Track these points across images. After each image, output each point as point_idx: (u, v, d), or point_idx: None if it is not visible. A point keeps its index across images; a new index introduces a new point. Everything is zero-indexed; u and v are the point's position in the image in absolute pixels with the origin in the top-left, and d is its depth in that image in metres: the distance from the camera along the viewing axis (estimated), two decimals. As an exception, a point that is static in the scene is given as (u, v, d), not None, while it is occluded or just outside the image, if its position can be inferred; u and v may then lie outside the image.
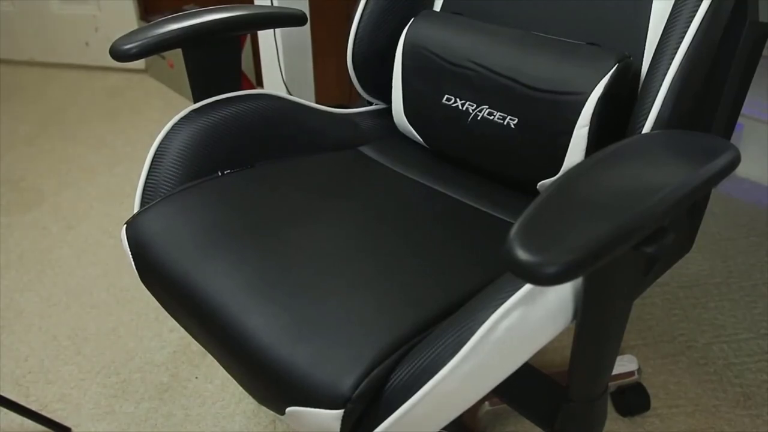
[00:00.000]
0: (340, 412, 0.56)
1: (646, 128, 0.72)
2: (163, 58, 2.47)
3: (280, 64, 1.87)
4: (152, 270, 0.76)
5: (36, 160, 2.03)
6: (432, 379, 0.56)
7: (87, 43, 2.70)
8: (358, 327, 0.62)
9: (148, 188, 0.85)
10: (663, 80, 0.71)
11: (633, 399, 1.11)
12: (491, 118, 0.88)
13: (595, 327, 0.61)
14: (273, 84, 1.94)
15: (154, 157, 0.86)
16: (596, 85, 0.77)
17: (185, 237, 0.76)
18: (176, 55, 2.39)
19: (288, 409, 0.60)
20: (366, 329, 0.61)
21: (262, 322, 0.63)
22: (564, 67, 0.80)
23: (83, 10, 2.64)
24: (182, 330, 1.34)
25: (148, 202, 0.84)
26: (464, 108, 0.91)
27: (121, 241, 1.63)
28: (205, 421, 1.13)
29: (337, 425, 0.57)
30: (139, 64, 2.71)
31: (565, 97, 0.80)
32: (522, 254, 0.43)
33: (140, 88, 2.55)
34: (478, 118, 0.89)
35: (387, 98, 1.11)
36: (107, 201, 1.80)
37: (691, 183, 0.53)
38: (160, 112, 2.35)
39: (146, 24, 0.94)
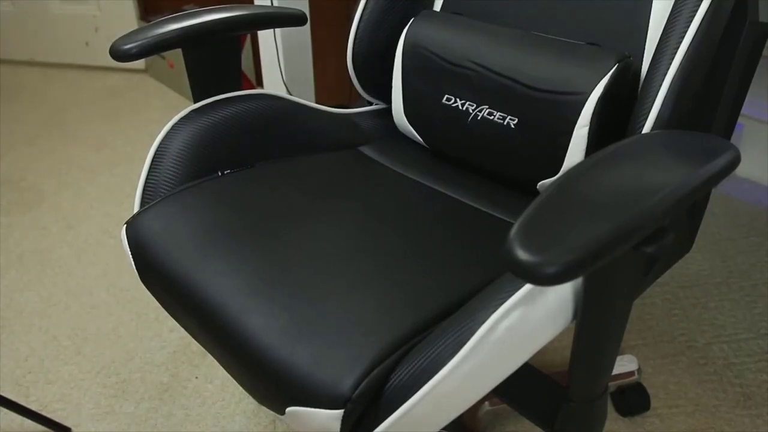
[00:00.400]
0: (340, 412, 0.56)
1: (646, 128, 0.72)
2: (163, 58, 2.47)
3: (280, 64, 1.87)
4: (152, 270, 0.76)
5: (36, 160, 2.03)
6: (432, 379, 0.56)
7: (87, 43, 2.70)
8: (358, 327, 0.62)
9: (148, 188, 0.85)
10: (663, 80, 0.71)
11: (633, 399, 1.11)
12: (491, 118, 0.88)
13: (595, 327, 0.61)
14: (273, 84, 1.94)
15: (154, 157, 0.86)
16: (596, 85, 0.77)
17: (185, 237, 0.76)
18: (176, 55, 2.39)
19: (288, 409, 0.60)
20: (366, 329, 0.61)
21: (262, 322, 0.63)
22: (564, 67, 0.80)
23: (83, 10, 2.64)
24: (182, 330, 1.34)
25: (148, 202, 0.84)
26: (464, 108, 0.91)
27: (121, 241, 1.63)
28: (205, 421, 1.13)
29: (337, 425, 0.57)
30: (139, 64, 2.71)
31: (565, 97, 0.80)
32: (522, 254, 0.43)
33: (140, 88, 2.55)
34: (478, 118, 0.89)
35: (387, 98, 1.11)
36: (107, 201, 1.80)
37: (691, 183, 0.53)
38: (160, 112, 2.35)
39: (146, 24, 0.94)
